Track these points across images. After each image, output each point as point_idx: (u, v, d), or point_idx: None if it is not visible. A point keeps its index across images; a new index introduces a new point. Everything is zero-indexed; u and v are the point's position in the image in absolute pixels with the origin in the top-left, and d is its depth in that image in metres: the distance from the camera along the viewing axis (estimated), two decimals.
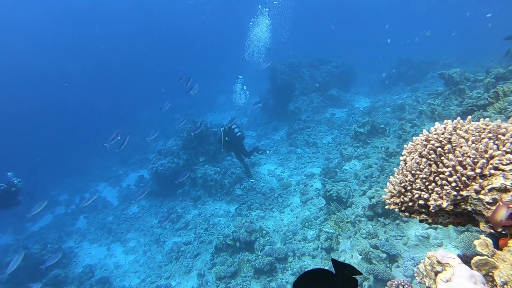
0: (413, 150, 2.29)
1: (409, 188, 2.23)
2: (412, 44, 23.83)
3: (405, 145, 2.46)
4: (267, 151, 12.32)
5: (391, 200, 2.38)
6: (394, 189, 2.31)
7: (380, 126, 11.39)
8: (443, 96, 11.36)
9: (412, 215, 2.27)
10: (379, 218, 6.08)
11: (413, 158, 2.18)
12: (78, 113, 36.69)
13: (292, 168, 13.87)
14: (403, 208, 2.33)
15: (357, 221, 6.35)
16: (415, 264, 5.04)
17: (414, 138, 2.39)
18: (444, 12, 47.27)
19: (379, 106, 17.38)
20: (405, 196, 2.27)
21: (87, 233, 15.13)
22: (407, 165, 2.22)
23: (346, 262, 5.77)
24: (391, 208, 2.37)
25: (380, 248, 5.37)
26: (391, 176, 2.50)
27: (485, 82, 10.40)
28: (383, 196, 2.51)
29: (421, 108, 11.53)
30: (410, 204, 2.25)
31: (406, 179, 2.22)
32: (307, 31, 52.98)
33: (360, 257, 5.57)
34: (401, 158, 2.39)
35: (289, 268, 7.22)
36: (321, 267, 6.50)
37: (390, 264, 5.22)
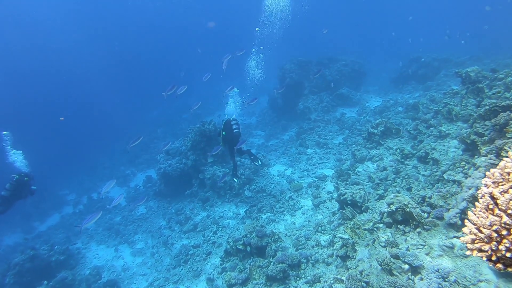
0: (500, 181, 1.85)
1: (505, 233, 1.76)
2: (425, 41, 23.23)
3: (487, 173, 1.98)
4: (257, 163, 11.51)
5: (475, 245, 1.91)
6: (480, 231, 1.84)
7: (394, 126, 11.04)
8: (460, 95, 10.99)
9: (509, 269, 1.82)
10: (398, 226, 5.76)
11: (505, 192, 1.73)
12: (86, 112, 36.76)
13: (302, 169, 13.55)
14: (494, 258, 1.84)
15: (375, 229, 6.05)
16: (440, 276, 4.73)
17: (501, 164, 1.93)
18: (462, 5, 46.29)
19: (390, 105, 16.97)
20: (500, 243, 1.78)
21: (95, 234, 15.00)
22: (499, 201, 1.75)
23: (365, 272, 5.48)
24: (473, 255, 1.93)
25: (402, 259, 5.06)
26: (469, 213, 2.08)
27: (506, 81, 10.00)
28: (461, 238, 2.06)
29: (436, 107, 11.14)
30: (508, 255, 1.76)
31: (500, 221, 1.73)
32: (317, 30, 52.42)
33: (380, 267, 5.26)
34: (484, 189, 1.95)
35: (303, 276, 6.94)
36: (336, 275, 6.23)
37: (413, 276, 4.91)
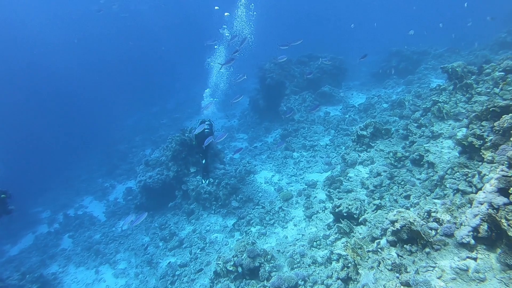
0: None
1: None
2: (403, 35, 23.04)
3: None
4: (204, 181, 12.30)
5: None
6: None
7: (383, 127, 10.63)
8: (447, 91, 10.66)
9: None
10: (404, 245, 5.29)
11: None
12: (58, 121, 35.08)
13: (290, 174, 13.04)
14: None
15: (379, 250, 5.56)
16: None
17: None
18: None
19: (375, 102, 16.65)
20: None
21: (73, 255, 14.06)
22: None
23: None
24: None
25: (414, 287, 4.58)
26: None
27: (494, 76, 9.74)
28: None
29: (425, 105, 10.80)
30: None
31: None
32: (292, 27, 52.07)
33: None
34: None
35: None
36: None
37: None
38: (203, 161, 12.06)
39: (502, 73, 9.65)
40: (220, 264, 8.13)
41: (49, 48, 47.90)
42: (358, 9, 54.61)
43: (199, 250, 10.88)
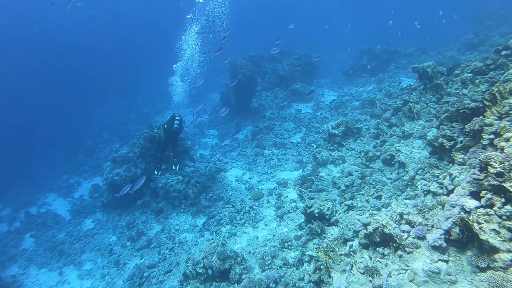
0: None
1: None
2: (378, 35, 23.38)
3: None
4: (175, 167, 11.83)
5: None
6: None
7: (354, 126, 10.65)
8: (418, 91, 10.81)
9: None
10: (377, 248, 5.24)
11: None
12: (19, 114, 33.19)
13: (261, 172, 12.89)
14: None
15: (351, 252, 5.49)
16: None
17: None
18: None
19: (346, 100, 16.76)
20: None
21: (35, 256, 13.33)
22: None
23: None
24: None
25: None
26: None
27: (463, 77, 9.93)
28: None
29: (396, 105, 10.90)
30: None
31: None
32: (264, 24, 51.82)
33: None
34: None
35: None
36: None
37: None
38: (172, 153, 11.86)
39: (471, 75, 9.86)
40: (189, 266, 7.86)
41: (7, 39, 45.22)
42: (335, 8, 55.15)
43: (168, 250, 10.56)
